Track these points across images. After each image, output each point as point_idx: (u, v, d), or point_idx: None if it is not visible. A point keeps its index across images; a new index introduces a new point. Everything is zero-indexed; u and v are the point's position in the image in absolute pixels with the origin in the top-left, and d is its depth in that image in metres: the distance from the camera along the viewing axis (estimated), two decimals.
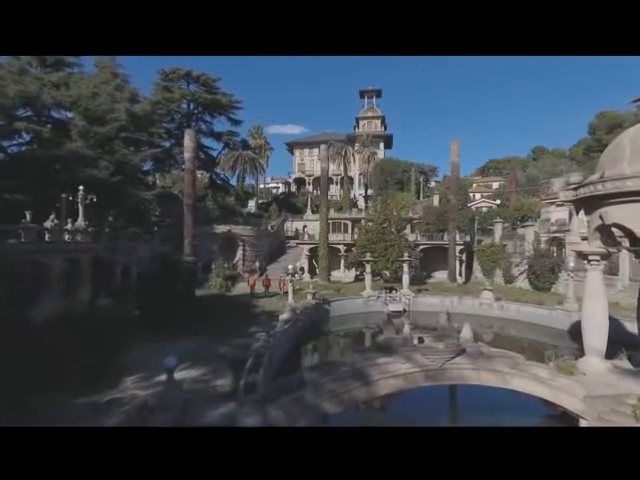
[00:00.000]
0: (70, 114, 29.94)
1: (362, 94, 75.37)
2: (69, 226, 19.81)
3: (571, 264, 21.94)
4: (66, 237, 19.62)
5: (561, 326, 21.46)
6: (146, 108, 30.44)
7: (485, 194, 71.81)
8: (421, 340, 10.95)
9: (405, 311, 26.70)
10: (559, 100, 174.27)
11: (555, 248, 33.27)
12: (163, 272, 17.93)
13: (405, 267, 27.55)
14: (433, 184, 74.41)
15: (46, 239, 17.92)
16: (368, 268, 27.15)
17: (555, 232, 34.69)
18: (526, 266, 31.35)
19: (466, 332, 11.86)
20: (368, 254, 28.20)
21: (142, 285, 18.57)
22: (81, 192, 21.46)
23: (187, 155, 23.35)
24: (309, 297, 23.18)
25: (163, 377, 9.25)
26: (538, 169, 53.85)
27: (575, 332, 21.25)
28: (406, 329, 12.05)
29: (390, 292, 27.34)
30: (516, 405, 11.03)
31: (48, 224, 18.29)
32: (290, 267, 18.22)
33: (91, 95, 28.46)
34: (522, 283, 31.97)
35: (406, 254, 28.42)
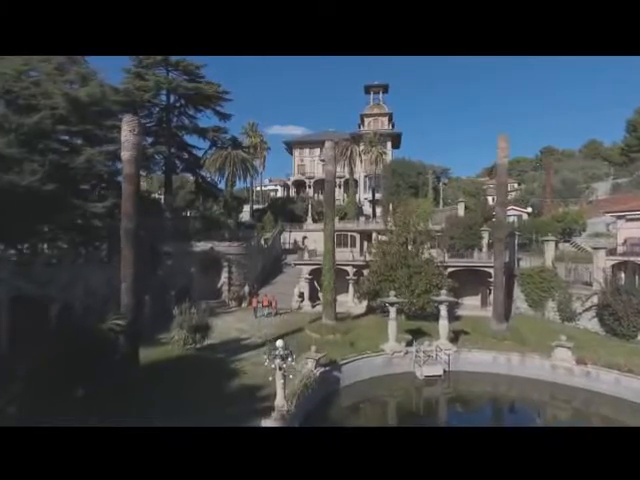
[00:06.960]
0: None
1: (367, 90, 68.20)
2: None
3: None
4: None
5: None
6: (93, 92, 22.77)
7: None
8: None
9: (445, 372, 19.11)
10: (564, 99, 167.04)
11: (624, 275, 25.74)
12: (54, 351, 10.44)
13: (443, 310, 19.87)
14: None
15: None
16: (392, 312, 19.34)
17: (626, 254, 27.14)
18: (596, 302, 23.78)
19: None
20: (392, 292, 20.37)
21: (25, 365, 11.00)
22: None
23: (125, 155, 14.65)
24: (310, 364, 15.68)
25: None
26: (575, 172, 46.21)
27: None
28: None
29: (421, 344, 19.70)
30: None
31: None
32: (279, 343, 10.78)
33: (16, 74, 21.00)
34: (588, 323, 24.43)
35: (444, 291, 20.76)
